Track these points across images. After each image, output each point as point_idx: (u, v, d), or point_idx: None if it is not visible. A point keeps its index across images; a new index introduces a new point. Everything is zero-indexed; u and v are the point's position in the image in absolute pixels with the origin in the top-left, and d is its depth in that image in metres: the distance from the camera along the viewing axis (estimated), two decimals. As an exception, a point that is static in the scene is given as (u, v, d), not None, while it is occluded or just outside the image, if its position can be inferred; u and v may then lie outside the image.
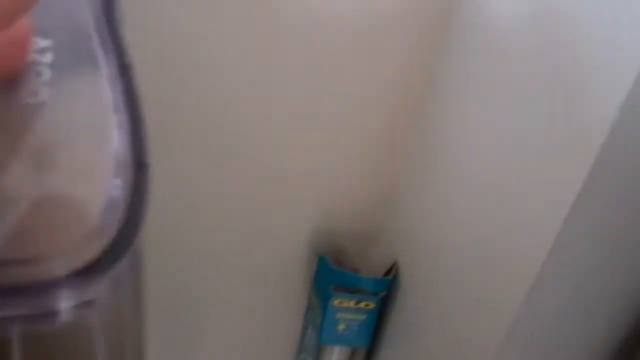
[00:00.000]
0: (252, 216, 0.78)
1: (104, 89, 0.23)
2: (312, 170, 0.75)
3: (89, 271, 0.19)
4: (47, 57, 0.24)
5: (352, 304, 0.82)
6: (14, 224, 0.20)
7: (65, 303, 0.19)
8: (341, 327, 0.83)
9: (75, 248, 0.19)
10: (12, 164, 0.21)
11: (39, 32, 0.25)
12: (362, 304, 0.83)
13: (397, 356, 0.82)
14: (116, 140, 0.22)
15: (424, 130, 0.71)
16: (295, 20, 0.61)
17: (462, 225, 0.62)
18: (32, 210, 0.20)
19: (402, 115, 0.72)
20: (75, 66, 0.24)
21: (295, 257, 0.83)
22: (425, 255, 0.72)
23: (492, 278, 0.57)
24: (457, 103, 0.64)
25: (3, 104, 0.22)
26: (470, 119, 0.61)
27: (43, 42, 0.25)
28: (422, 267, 0.73)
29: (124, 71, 0.24)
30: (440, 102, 0.67)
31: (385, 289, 0.82)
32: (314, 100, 0.69)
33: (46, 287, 0.19)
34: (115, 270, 0.19)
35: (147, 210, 0.20)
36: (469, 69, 0.61)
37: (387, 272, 0.82)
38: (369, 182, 0.80)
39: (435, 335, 0.70)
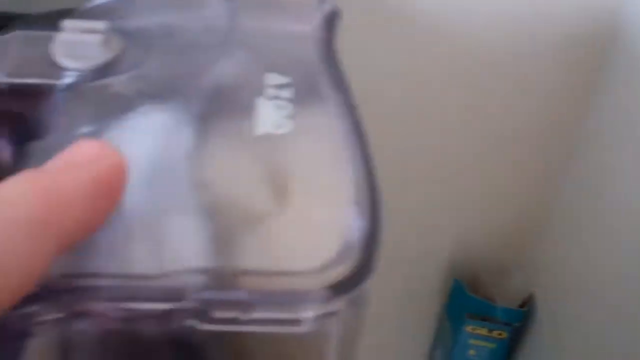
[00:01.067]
0: (393, 234, 0.79)
1: (337, 125, 0.26)
2: (455, 195, 0.76)
3: (336, 288, 0.22)
4: (287, 93, 0.27)
5: (484, 331, 0.82)
6: (272, 240, 0.23)
7: (311, 313, 0.22)
8: (472, 352, 0.84)
9: (327, 267, 0.22)
10: (260, 188, 0.24)
11: (276, 69, 0.28)
12: (494, 333, 0.83)
13: (525, 388, 0.81)
14: (352, 170, 0.24)
15: (574, 162, 0.70)
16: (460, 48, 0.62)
17: (616, 264, 0.61)
18: (284, 229, 0.23)
19: (551, 145, 0.72)
20: (311, 102, 0.27)
21: (430, 278, 0.84)
22: (568, 291, 0.71)
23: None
24: (616, 135, 0.63)
25: (248, 134, 0.26)
26: (629, 156, 0.60)
27: (281, 79, 0.28)
28: (563, 302, 0.72)
29: (352, 110, 0.27)
30: (595, 134, 0.66)
31: (519, 321, 0.82)
32: (463, 126, 0.70)
33: (300, 297, 0.21)
34: (359, 290, 0.21)
35: (382, 236, 0.23)
36: (629, 102, 0.60)
37: (523, 304, 0.82)
38: (511, 211, 0.80)
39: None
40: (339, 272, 0.22)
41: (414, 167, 0.74)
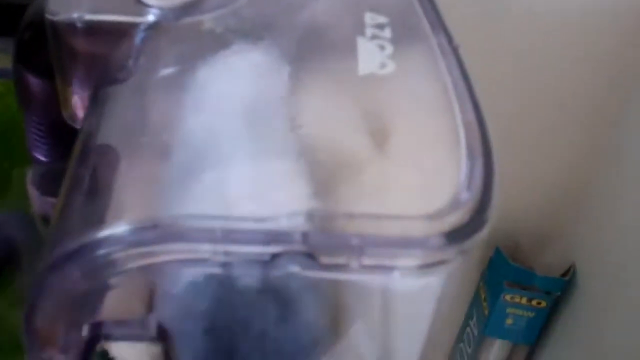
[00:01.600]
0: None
1: (440, 66, 0.24)
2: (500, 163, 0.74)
3: (451, 235, 0.20)
4: (386, 33, 0.26)
5: (524, 300, 0.82)
6: (379, 183, 0.21)
7: (423, 260, 0.20)
8: (509, 321, 0.83)
9: (441, 213, 0.20)
10: (362, 130, 0.23)
11: (374, 8, 0.26)
12: (534, 302, 0.82)
13: (563, 357, 0.81)
14: (460, 112, 0.23)
15: (618, 132, 0.68)
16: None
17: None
18: (390, 173, 0.22)
19: (597, 116, 0.70)
20: (411, 43, 0.26)
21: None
22: (609, 261, 0.70)
23: None
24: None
25: (348, 74, 0.24)
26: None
27: (380, 18, 0.26)
28: (604, 272, 0.71)
29: (454, 51, 0.25)
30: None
31: (559, 290, 0.81)
32: (510, 92, 0.68)
33: (414, 243, 0.20)
34: (474, 239, 0.20)
35: (497, 189, 0.21)
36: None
37: (564, 274, 0.81)
38: (554, 180, 0.78)
39: (612, 344, 0.68)
40: (455, 219, 0.20)
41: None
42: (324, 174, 0.22)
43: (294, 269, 0.21)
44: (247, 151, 0.22)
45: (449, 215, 0.20)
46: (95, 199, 0.22)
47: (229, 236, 0.20)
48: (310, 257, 0.20)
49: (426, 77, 0.24)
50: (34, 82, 0.36)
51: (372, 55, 0.25)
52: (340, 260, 0.20)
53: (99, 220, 0.21)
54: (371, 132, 0.23)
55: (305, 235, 0.20)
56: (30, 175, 0.41)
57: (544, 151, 0.76)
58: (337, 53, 0.25)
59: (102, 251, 0.20)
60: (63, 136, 0.35)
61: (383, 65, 0.24)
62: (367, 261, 0.20)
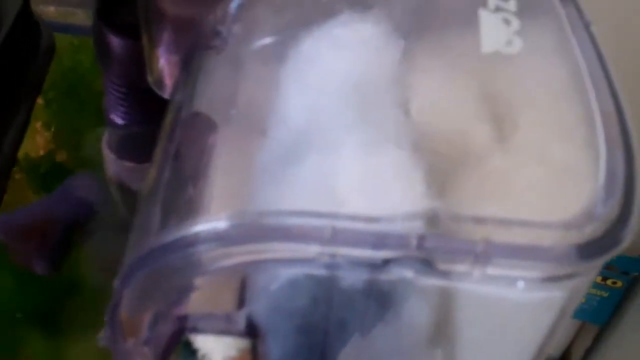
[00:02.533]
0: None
1: (572, 45, 0.21)
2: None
3: (588, 248, 0.18)
4: (511, 5, 0.22)
5: (598, 279, 0.79)
6: (505, 183, 0.19)
7: (554, 273, 0.18)
8: (581, 300, 0.80)
9: (578, 221, 0.18)
10: (485, 118, 0.20)
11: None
12: (609, 281, 0.79)
13: (635, 341, 0.78)
14: (597, 99, 0.20)
15: None
16: None
17: None
18: (517, 171, 0.19)
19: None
20: (539, 17, 0.22)
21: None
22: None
23: None
24: None
25: (470, 52, 0.21)
26: None
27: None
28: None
29: (586, 26, 0.22)
30: None
31: (638, 270, 0.77)
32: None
33: (545, 254, 0.18)
34: (612, 253, 0.18)
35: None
36: None
37: (644, 254, 0.77)
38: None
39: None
40: (591, 230, 0.18)
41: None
42: (442, 168, 0.19)
43: (408, 274, 0.18)
44: (355, 138, 0.20)
45: (585, 225, 0.18)
46: (190, 183, 0.20)
47: (339, 237, 0.18)
48: (426, 262, 0.18)
49: (557, 57, 0.21)
50: (116, 42, 0.34)
51: (496, 31, 0.22)
52: (461, 268, 0.18)
53: (196, 211, 0.19)
54: (495, 120, 0.20)
55: (422, 239, 0.18)
56: (105, 137, 0.40)
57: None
58: (456, 26, 0.22)
59: (199, 247, 0.18)
60: (143, 100, 0.34)
61: (509, 43, 0.21)
62: (491, 270, 0.18)
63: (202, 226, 0.19)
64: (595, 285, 0.79)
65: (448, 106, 0.21)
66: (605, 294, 0.80)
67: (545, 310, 0.20)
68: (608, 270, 0.77)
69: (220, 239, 0.18)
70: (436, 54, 0.22)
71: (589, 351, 0.84)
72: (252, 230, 0.18)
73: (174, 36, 0.26)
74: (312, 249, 0.18)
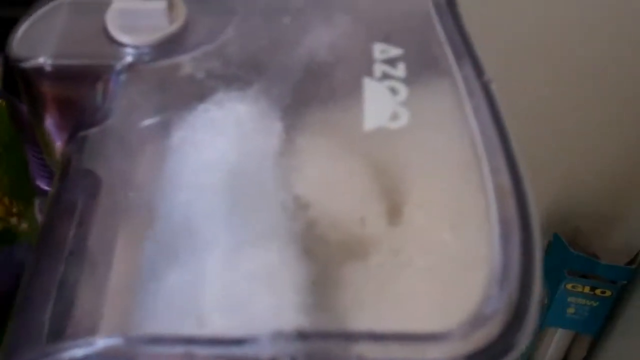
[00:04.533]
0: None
1: (466, 111, 0.20)
2: (557, 141, 0.69)
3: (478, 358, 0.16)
4: (400, 71, 0.21)
5: (586, 289, 0.78)
6: (389, 284, 0.17)
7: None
8: (570, 311, 0.79)
9: (466, 327, 0.16)
10: (367, 208, 0.18)
11: (385, 36, 0.22)
12: (597, 291, 0.78)
13: (628, 349, 0.76)
14: (492, 179, 0.18)
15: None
16: None
17: None
18: (403, 267, 0.17)
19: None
20: (430, 81, 0.21)
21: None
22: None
23: None
24: None
25: (353, 129, 0.20)
26: None
27: (392, 50, 0.21)
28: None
29: (485, 89, 0.20)
30: None
31: (626, 279, 0.76)
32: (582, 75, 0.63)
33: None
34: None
35: (539, 292, 0.16)
36: None
37: (631, 262, 0.76)
38: (617, 160, 0.73)
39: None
40: (482, 336, 0.16)
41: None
42: (319, 270, 0.17)
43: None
44: (225, 241, 0.18)
45: (472, 332, 0.16)
46: (59, 297, 0.19)
47: None
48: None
49: (448, 128, 0.19)
50: (24, 109, 0.32)
51: (381, 103, 0.20)
52: None
53: (59, 335, 0.17)
54: (380, 205, 0.18)
55: None
56: (37, 204, 0.38)
57: (605, 128, 0.70)
58: (339, 101, 0.20)
59: None
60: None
61: (394, 116, 0.20)
62: None
63: (64, 354, 0.17)
64: (585, 295, 0.78)
65: (331, 193, 0.19)
66: (595, 304, 0.78)
67: None
68: (596, 280, 0.77)
69: None
70: (317, 135, 0.20)
71: (586, 361, 0.82)
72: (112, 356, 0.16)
73: (60, 117, 0.25)
74: None
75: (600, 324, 0.80)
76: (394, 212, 0.18)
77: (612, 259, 0.76)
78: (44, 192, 0.36)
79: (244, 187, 0.19)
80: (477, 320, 0.16)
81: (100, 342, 0.17)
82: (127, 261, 0.18)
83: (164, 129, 0.21)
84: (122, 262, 0.18)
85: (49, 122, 0.25)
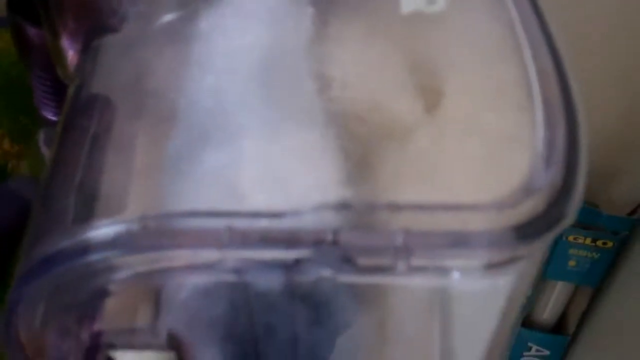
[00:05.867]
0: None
1: (506, 1, 0.19)
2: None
3: (523, 229, 0.15)
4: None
5: (588, 241, 0.77)
6: (429, 161, 0.17)
7: (487, 260, 0.16)
8: (571, 263, 0.79)
9: (510, 200, 0.15)
10: (406, 88, 0.18)
11: None
12: (599, 242, 0.77)
13: (630, 300, 0.77)
14: (532, 59, 0.18)
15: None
16: None
17: None
18: (443, 146, 0.17)
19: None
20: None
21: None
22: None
23: None
24: None
25: (388, 14, 0.19)
26: None
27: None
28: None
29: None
30: None
31: (627, 230, 0.76)
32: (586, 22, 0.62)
33: (473, 240, 0.15)
34: (552, 233, 0.15)
35: (583, 166, 0.16)
36: None
37: (632, 212, 0.76)
38: (619, 111, 0.72)
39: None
40: (528, 208, 0.15)
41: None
42: (359, 148, 0.17)
43: (325, 273, 0.16)
44: (261, 122, 0.17)
45: (521, 202, 0.15)
46: (84, 181, 0.18)
47: (239, 239, 0.15)
48: (344, 258, 0.16)
49: (487, 13, 0.19)
50: (33, 33, 0.32)
51: None
52: (384, 262, 0.16)
53: (87, 216, 0.17)
54: (420, 89, 0.18)
55: (336, 234, 0.16)
56: (42, 135, 0.38)
57: (606, 79, 0.70)
58: None
59: (91, 257, 0.16)
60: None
61: (431, 1, 0.19)
62: (416, 262, 0.16)
63: (94, 232, 0.16)
64: (586, 247, 0.78)
65: (367, 77, 0.18)
66: (596, 256, 0.78)
67: (490, 300, 0.18)
68: (597, 231, 0.76)
69: (108, 248, 0.16)
70: (351, 19, 0.19)
71: (585, 314, 0.83)
72: (141, 238, 0.16)
73: (76, 24, 0.24)
74: (210, 255, 0.16)
75: (600, 276, 0.80)
76: (434, 97, 0.18)
77: (614, 210, 0.76)
78: (51, 122, 0.36)
79: (277, 71, 0.18)
80: (523, 193, 0.16)
81: (134, 220, 0.16)
82: (156, 144, 0.18)
83: (190, 19, 0.20)
84: (152, 145, 0.18)
85: (65, 30, 0.25)
